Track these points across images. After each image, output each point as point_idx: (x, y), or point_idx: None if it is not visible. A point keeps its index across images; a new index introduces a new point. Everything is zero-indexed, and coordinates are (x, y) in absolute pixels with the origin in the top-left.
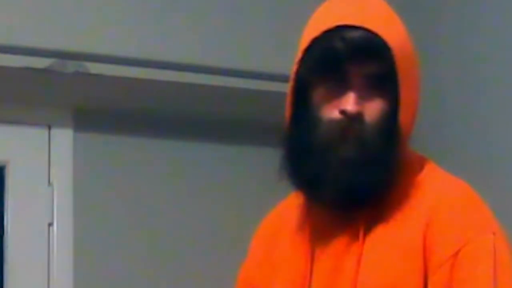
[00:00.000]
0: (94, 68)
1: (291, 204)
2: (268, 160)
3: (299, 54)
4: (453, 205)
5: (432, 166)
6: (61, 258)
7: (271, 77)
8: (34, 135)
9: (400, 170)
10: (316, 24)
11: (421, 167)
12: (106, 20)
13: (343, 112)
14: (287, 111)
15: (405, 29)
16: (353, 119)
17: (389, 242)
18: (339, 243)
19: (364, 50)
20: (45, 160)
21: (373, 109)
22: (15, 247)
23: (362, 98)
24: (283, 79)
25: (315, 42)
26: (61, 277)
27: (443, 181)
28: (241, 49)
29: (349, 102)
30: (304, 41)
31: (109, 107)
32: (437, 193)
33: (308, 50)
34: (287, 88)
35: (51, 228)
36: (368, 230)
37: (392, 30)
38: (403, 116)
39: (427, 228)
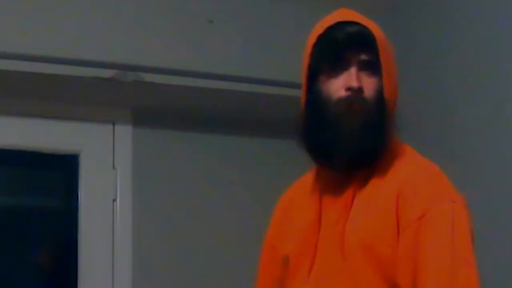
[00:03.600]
0: (148, 77)
1: (303, 179)
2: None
3: (308, 50)
4: (420, 178)
5: (409, 149)
6: (122, 226)
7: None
8: (101, 130)
9: (390, 138)
10: (320, 26)
11: (401, 150)
12: (157, 40)
13: (349, 88)
14: (302, 97)
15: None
16: (357, 93)
17: (371, 206)
18: (337, 203)
19: (359, 39)
20: (110, 150)
21: (369, 87)
22: (86, 218)
23: (360, 78)
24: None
25: (321, 37)
26: (123, 241)
27: (415, 160)
28: (269, 61)
29: (353, 80)
30: (312, 39)
31: (160, 108)
32: (409, 169)
33: (315, 44)
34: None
35: (115, 203)
36: (357, 194)
37: (375, 27)
38: (387, 92)
39: (400, 195)
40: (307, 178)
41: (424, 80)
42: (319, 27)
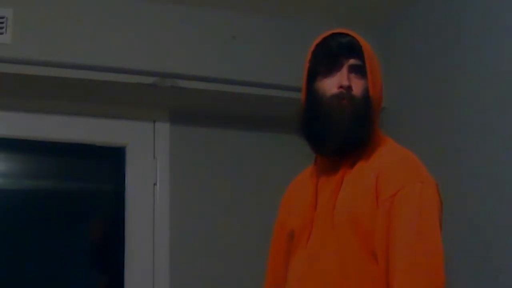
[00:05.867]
0: (183, 83)
1: (308, 169)
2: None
3: (308, 56)
4: (396, 162)
5: (390, 140)
6: (161, 206)
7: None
8: (144, 126)
9: (373, 130)
10: (318, 37)
11: (383, 140)
12: (190, 52)
13: (341, 86)
14: (302, 96)
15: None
16: (347, 91)
17: (356, 186)
18: (330, 184)
19: (349, 47)
20: (151, 143)
21: (357, 86)
22: (132, 199)
23: (350, 78)
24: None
25: (319, 45)
26: (162, 218)
27: (394, 148)
28: (284, 69)
29: (344, 79)
30: (311, 47)
31: (193, 109)
32: (388, 155)
33: (314, 51)
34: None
35: (155, 186)
36: (345, 176)
37: (362, 39)
38: (372, 92)
39: (378, 177)
40: (307, 170)
41: (417, 84)
42: (318, 38)
